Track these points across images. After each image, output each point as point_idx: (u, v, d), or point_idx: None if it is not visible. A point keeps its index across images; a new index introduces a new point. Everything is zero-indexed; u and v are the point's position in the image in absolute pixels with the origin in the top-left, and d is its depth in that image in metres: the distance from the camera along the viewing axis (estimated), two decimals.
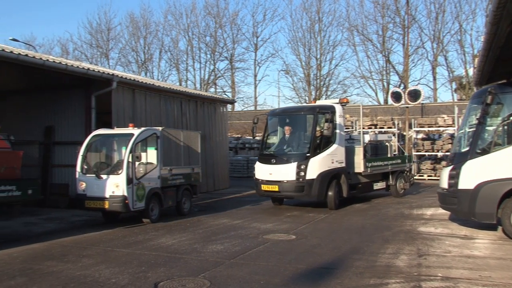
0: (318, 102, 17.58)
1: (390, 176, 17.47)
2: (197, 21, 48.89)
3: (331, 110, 14.66)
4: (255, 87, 49.82)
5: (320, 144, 14.16)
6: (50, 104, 16.54)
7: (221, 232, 10.95)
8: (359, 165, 15.50)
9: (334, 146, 14.45)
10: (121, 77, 16.18)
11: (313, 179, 13.74)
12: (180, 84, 46.74)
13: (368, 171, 15.81)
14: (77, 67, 14.74)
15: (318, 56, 45.44)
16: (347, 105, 16.06)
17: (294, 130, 14.91)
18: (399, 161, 18.02)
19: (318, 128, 14.18)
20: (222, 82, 51.17)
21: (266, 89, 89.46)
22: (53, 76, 15.04)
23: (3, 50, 12.47)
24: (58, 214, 14.21)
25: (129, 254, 8.73)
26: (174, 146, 14.01)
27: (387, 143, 18.52)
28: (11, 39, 33.21)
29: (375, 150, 17.22)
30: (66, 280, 7.01)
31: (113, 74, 15.52)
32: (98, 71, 15.48)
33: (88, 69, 15.09)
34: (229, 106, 29.66)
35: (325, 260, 8.18)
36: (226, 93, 48.74)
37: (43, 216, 13.75)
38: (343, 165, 14.81)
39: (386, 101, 40.87)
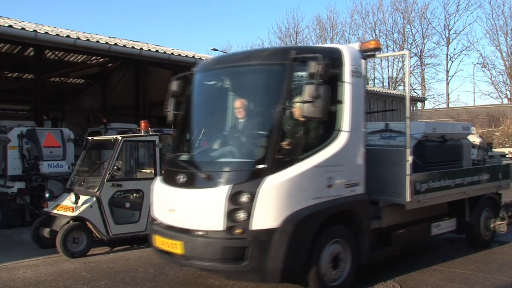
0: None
1: (467, 207, 8.51)
2: (384, 18, 48.01)
3: (331, 57, 5.94)
4: (447, 84, 46.99)
5: (299, 137, 5.70)
6: None
7: None
8: (402, 188, 6.78)
9: (339, 143, 5.94)
10: None
11: (271, 231, 5.34)
12: (368, 83, 46.19)
13: (421, 201, 7.17)
14: None
15: None
16: (377, 54, 6.86)
17: (242, 104, 6.26)
18: (486, 176, 8.67)
19: (294, 99, 5.67)
20: (412, 79, 49.37)
21: (459, 85, 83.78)
22: None
23: (202, 58, 13.96)
24: None
25: None
26: None
27: (462, 141, 8.84)
28: (212, 49, 37.03)
29: (439, 155, 8.13)
30: None
31: None
32: None
33: None
34: (419, 104, 28.42)
35: None
36: (416, 91, 46.80)
37: None
38: (360, 189, 6.24)
39: None
